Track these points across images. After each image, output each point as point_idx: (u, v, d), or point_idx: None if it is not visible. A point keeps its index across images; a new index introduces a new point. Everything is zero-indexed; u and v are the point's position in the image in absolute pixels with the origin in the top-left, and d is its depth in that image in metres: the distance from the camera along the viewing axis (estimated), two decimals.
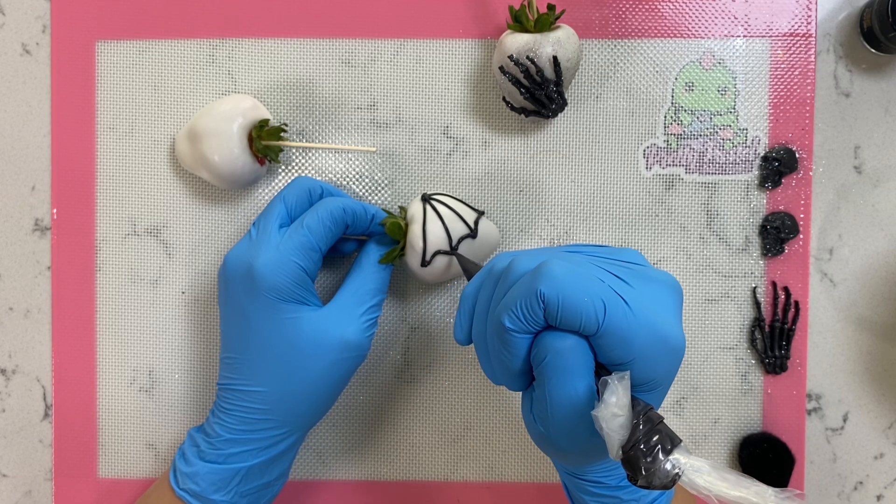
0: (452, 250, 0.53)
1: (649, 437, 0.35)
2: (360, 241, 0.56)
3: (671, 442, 0.35)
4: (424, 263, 0.53)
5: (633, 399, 0.36)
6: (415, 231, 0.53)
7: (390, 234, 0.53)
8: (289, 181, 0.59)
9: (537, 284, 0.37)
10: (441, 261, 0.53)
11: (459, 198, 0.56)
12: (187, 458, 0.52)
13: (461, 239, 0.53)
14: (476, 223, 0.54)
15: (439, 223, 0.52)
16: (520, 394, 0.58)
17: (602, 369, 0.39)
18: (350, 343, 0.51)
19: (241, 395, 0.51)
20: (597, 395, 0.38)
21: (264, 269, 0.50)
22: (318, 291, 0.57)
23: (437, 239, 0.52)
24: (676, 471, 0.35)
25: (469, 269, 0.50)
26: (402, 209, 0.55)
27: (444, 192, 0.56)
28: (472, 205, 0.56)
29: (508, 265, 0.41)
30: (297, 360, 0.50)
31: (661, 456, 0.35)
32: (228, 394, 0.52)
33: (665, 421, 0.36)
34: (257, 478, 0.52)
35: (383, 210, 0.55)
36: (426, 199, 0.53)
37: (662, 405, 0.58)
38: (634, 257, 0.42)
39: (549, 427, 0.39)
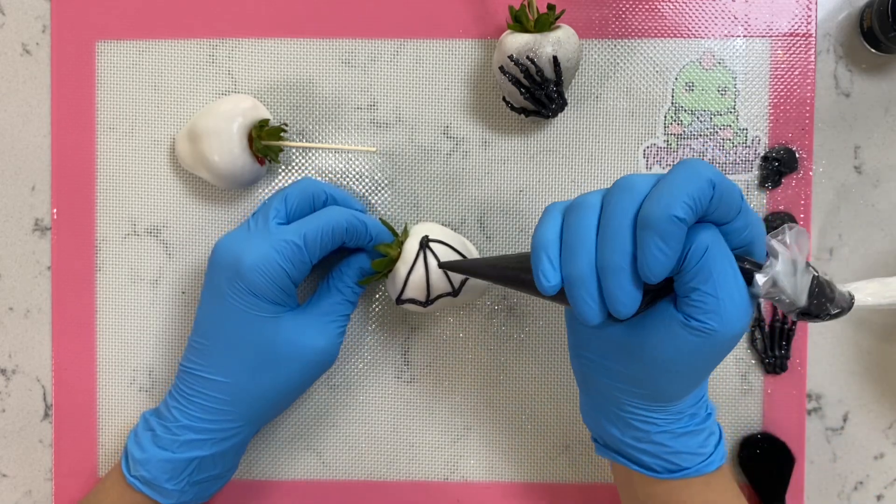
0: (427, 303, 0.53)
1: (819, 275, 0.40)
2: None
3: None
4: (399, 302, 0.54)
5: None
6: (399, 273, 0.53)
7: (375, 267, 0.54)
8: (289, 181, 0.59)
9: (706, 174, 0.38)
10: (414, 306, 0.54)
11: (463, 247, 0.54)
12: (141, 444, 0.52)
13: (439, 296, 0.53)
14: (463, 283, 0.53)
15: (424, 276, 0.52)
16: (517, 396, 0.58)
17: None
18: (324, 350, 0.53)
19: (204, 383, 0.52)
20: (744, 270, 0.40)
21: (251, 268, 0.50)
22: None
23: (416, 289, 0.53)
24: (850, 296, 0.40)
25: (474, 266, 0.48)
26: (405, 232, 0.55)
27: (447, 242, 0.54)
28: (471, 258, 0.55)
29: (620, 185, 0.40)
30: (271, 359, 0.51)
31: (835, 286, 0.40)
32: (191, 378, 0.52)
33: None
34: (209, 468, 0.53)
35: (384, 224, 0.54)
36: (424, 244, 0.53)
37: None
38: None
39: (723, 317, 0.39)
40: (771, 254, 0.39)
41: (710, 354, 0.41)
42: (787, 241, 0.39)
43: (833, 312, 0.39)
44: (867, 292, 0.40)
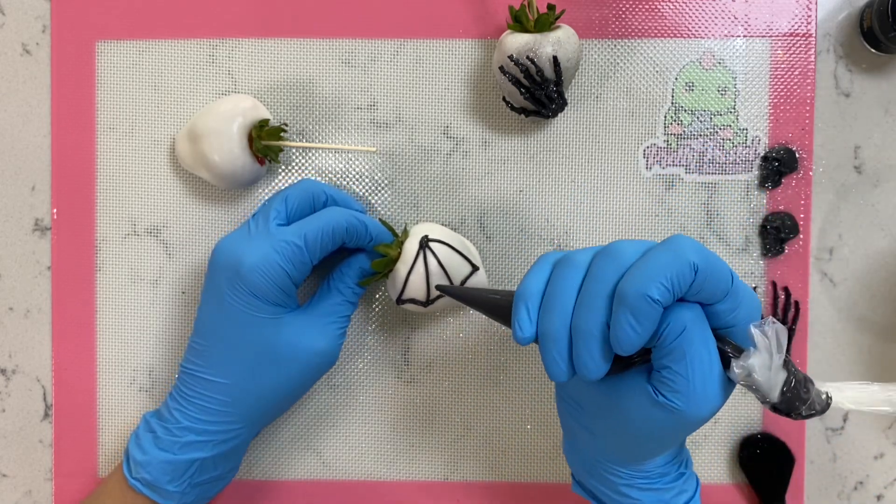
0: (427, 302, 0.53)
1: (797, 372, 0.38)
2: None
3: (806, 374, 0.39)
4: (399, 302, 0.54)
5: None
6: (399, 273, 0.53)
7: (375, 268, 0.54)
8: (289, 181, 0.59)
9: (689, 257, 0.38)
10: (414, 306, 0.54)
11: (463, 247, 0.55)
12: (142, 446, 0.52)
13: (440, 296, 0.53)
14: (463, 282, 0.54)
15: (424, 276, 0.52)
16: (517, 396, 0.58)
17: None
18: (324, 351, 0.53)
19: (204, 384, 0.52)
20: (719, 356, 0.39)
21: (252, 269, 0.50)
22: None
23: (416, 290, 0.53)
24: (827, 397, 0.39)
25: (466, 294, 0.49)
26: (405, 233, 0.55)
27: (447, 242, 0.54)
28: (471, 257, 0.55)
29: (609, 250, 0.40)
30: (270, 361, 0.51)
31: (811, 386, 0.39)
32: (191, 380, 0.52)
33: None
34: (210, 470, 0.53)
35: (384, 224, 0.55)
36: (424, 244, 0.53)
37: None
38: None
39: (691, 399, 0.39)
40: (752, 343, 0.38)
41: (675, 429, 0.41)
42: (768, 334, 0.38)
43: (804, 413, 0.39)
44: (846, 396, 0.39)
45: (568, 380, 0.41)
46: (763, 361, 0.38)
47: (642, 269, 0.38)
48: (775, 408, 0.38)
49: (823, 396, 0.39)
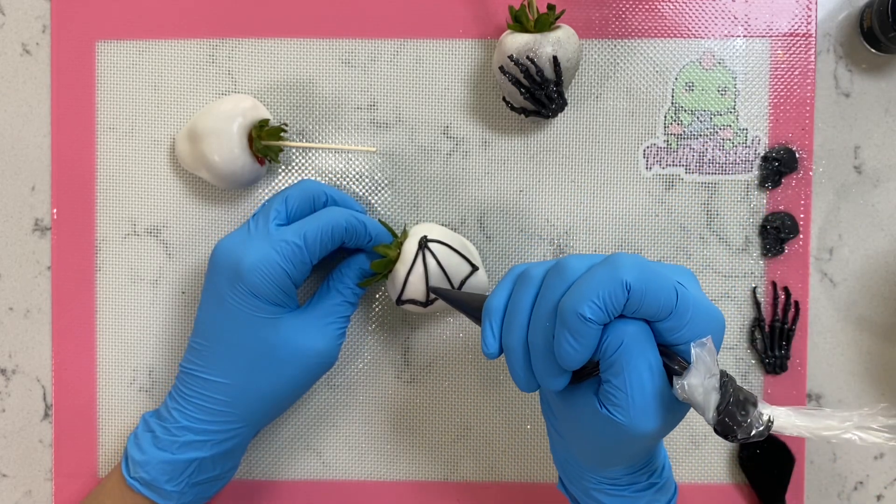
0: (427, 303, 0.53)
1: (736, 394, 0.37)
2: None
3: (751, 396, 0.38)
4: (399, 303, 0.54)
5: None
6: (399, 273, 0.53)
7: (374, 268, 0.54)
8: (289, 181, 0.59)
9: (621, 275, 0.38)
10: (414, 306, 0.54)
11: (462, 247, 0.55)
12: (140, 445, 0.52)
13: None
14: (463, 282, 0.54)
15: (423, 276, 0.53)
16: (517, 397, 0.59)
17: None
18: (323, 352, 0.53)
19: (203, 384, 0.52)
20: (665, 371, 0.39)
21: (252, 269, 0.50)
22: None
23: (415, 290, 0.53)
24: (768, 420, 0.37)
25: (455, 298, 0.50)
26: (405, 233, 0.55)
27: (446, 242, 0.54)
28: (471, 257, 0.55)
29: (557, 265, 0.41)
30: (268, 361, 0.51)
31: (751, 409, 0.37)
32: (190, 379, 0.52)
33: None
34: (209, 469, 0.53)
35: (383, 224, 0.55)
36: (423, 244, 0.53)
37: None
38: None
39: (630, 413, 0.39)
40: (692, 361, 0.38)
41: (623, 442, 0.41)
42: (703, 354, 0.37)
43: (739, 437, 0.37)
44: (792, 422, 0.38)
45: (533, 391, 0.42)
46: (700, 380, 0.37)
47: (578, 288, 0.39)
48: (714, 429, 0.38)
49: (765, 418, 0.38)
